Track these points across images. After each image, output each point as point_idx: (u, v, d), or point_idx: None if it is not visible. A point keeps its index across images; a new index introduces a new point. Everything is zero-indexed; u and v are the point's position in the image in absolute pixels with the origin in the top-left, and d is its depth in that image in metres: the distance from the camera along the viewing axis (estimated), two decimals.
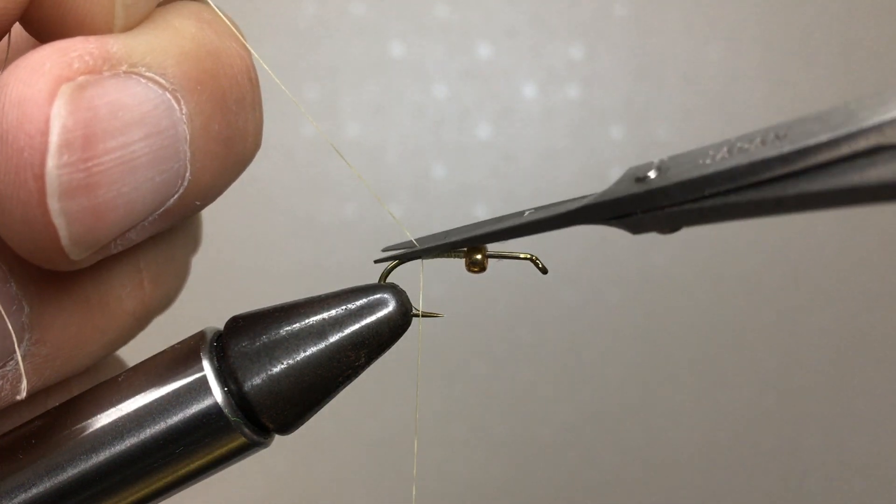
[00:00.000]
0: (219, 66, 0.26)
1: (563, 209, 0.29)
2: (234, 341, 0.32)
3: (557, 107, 0.85)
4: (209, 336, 0.33)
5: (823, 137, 0.22)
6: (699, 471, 0.87)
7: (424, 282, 0.37)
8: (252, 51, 0.30)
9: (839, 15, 0.85)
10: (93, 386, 0.32)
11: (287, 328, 0.32)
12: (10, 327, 0.26)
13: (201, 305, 0.85)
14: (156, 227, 0.27)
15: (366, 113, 0.84)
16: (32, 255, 0.24)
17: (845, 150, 0.21)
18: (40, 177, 0.22)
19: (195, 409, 0.31)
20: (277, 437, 0.34)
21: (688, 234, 0.93)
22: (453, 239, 0.33)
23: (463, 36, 0.85)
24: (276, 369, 0.31)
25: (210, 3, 0.28)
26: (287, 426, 0.32)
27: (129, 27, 0.25)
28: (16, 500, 0.30)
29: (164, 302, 0.35)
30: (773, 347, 0.87)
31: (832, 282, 0.86)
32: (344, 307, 0.32)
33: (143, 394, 0.31)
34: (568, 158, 0.85)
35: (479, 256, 0.34)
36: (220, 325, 0.34)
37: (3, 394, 0.27)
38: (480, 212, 0.85)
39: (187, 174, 0.26)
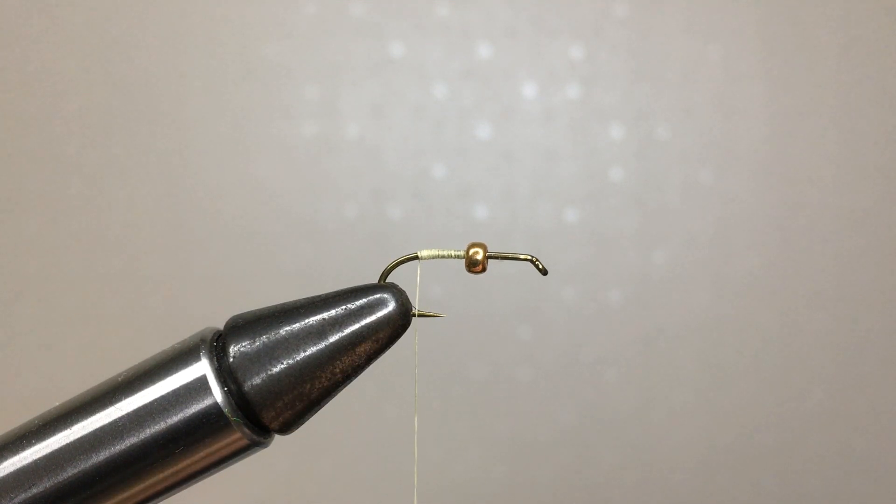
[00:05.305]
0: None
1: None
2: (235, 341, 0.32)
3: (557, 107, 0.85)
4: (209, 336, 0.33)
5: None
6: (699, 471, 0.87)
7: (423, 282, 0.37)
8: None
9: (839, 15, 0.85)
10: (93, 385, 0.32)
11: (287, 328, 0.32)
12: None
13: (201, 305, 0.85)
14: None
15: (366, 113, 0.84)
16: None
17: None
18: None
19: (195, 408, 0.31)
20: (277, 437, 0.34)
21: (688, 233, 0.93)
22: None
23: (463, 36, 0.85)
24: (276, 369, 0.31)
25: None
26: (287, 426, 0.32)
27: None
28: (16, 500, 0.30)
29: None
30: (773, 347, 0.87)
31: (832, 282, 0.86)
32: (344, 307, 0.32)
33: (143, 393, 0.31)
34: (568, 158, 0.85)
35: (479, 257, 0.34)
36: (220, 325, 0.34)
37: None
38: (480, 212, 0.85)
39: None
